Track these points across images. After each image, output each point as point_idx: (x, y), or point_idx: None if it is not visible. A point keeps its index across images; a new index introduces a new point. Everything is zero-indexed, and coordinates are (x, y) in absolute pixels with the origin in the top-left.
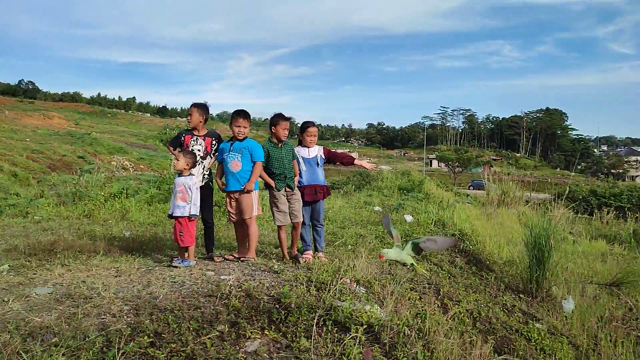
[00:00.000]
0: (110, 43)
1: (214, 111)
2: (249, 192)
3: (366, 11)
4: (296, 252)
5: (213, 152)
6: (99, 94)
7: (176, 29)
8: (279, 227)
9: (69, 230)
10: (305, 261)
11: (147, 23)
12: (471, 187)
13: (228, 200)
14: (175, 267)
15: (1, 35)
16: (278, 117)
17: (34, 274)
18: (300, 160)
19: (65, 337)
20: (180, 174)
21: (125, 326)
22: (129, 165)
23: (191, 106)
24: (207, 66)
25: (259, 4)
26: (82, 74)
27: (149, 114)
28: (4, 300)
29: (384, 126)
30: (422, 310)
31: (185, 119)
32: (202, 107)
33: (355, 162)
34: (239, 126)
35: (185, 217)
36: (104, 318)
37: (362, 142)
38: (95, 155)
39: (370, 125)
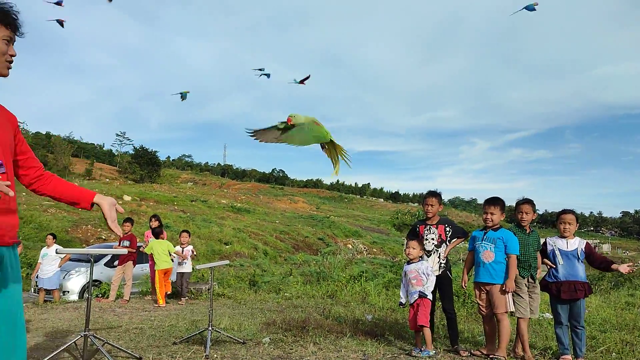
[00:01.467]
0: (349, 134)
1: (445, 197)
2: (508, 291)
3: (616, 89)
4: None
5: (448, 239)
6: (337, 181)
7: (409, 118)
8: (519, 319)
9: (315, 309)
10: None
11: (382, 114)
12: None
13: (477, 292)
14: (415, 356)
15: None
16: (522, 202)
17: (290, 349)
18: (557, 252)
19: None
20: (409, 261)
21: None
22: (363, 248)
23: (430, 196)
24: (439, 152)
25: (492, 89)
26: (324, 162)
27: (382, 199)
28: None
29: None
30: None
31: (416, 204)
32: (440, 196)
33: (612, 266)
34: (490, 213)
35: (420, 298)
36: None
37: (615, 232)
38: (333, 238)
39: (625, 214)
